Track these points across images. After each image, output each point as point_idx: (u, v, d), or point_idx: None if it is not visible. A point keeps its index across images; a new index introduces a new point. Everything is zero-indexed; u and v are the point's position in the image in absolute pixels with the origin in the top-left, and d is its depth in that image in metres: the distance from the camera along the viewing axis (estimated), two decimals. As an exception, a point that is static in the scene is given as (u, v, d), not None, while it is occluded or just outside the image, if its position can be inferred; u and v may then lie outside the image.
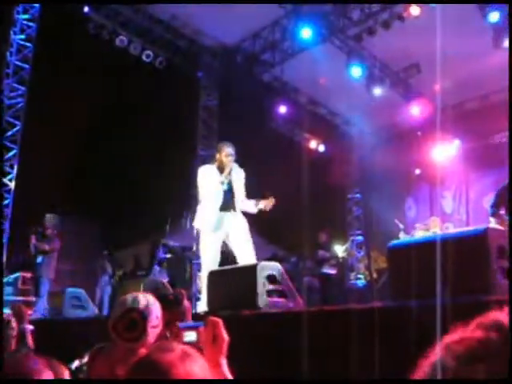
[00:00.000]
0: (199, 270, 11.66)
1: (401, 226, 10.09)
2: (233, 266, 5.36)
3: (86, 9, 10.64)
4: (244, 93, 11.67)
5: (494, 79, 11.16)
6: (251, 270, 4.57)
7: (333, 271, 10.48)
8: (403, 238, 9.14)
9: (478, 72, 10.63)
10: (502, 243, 3.28)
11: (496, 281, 3.17)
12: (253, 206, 6.46)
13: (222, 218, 6.31)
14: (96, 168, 11.56)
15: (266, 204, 6.37)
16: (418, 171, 13.65)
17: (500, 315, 0.80)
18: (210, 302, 5.25)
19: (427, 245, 3.54)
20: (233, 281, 4.85)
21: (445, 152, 12.69)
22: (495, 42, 9.89)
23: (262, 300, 4.47)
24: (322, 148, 14.00)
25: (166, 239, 11.22)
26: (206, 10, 10.19)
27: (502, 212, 7.00)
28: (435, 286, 3.30)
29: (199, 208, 6.49)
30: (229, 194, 6.40)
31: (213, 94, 12.57)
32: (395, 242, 3.92)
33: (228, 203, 6.37)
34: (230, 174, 6.37)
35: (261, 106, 12.21)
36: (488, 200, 8.23)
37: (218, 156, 6.47)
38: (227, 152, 6.39)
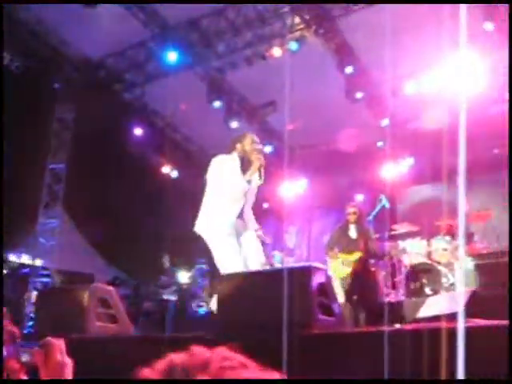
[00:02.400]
0: (35, 289, 11.11)
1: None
2: (63, 286, 5.17)
3: None
4: (102, 109, 11.44)
5: (342, 126, 11.96)
6: (82, 292, 4.45)
7: (174, 297, 10.47)
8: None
9: (328, 118, 11.29)
10: (322, 281, 3.50)
11: (314, 316, 3.36)
12: (254, 226, 4.91)
13: (237, 227, 4.69)
14: None
15: (261, 237, 4.88)
16: (265, 205, 14.09)
17: (177, 358, 0.79)
18: (38, 324, 5.04)
19: (255, 277, 3.68)
20: (63, 302, 4.68)
21: (293, 189, 13.28)
22: (348, 93, 10.58)
23: (91, 324, 4.36)
24: (175, 174, 13.93)
25: (5, 254, 10.59)
26: (73, 21, 9.88)
27: (336, 251, 7.48)
28: (261, 317, 3.43)
29: (207, 209, 4.75)
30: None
31: (69, 106, 12.12)
32: (227, 272, 4.03)
33: (241, 211, 4.82)
34: (260, 171, 4.76)
35: (117, 124, 12.02)
36: (327, 238, 8.73)
37: (238, 146, 4.84)
38: (253, 139, 4.85)
